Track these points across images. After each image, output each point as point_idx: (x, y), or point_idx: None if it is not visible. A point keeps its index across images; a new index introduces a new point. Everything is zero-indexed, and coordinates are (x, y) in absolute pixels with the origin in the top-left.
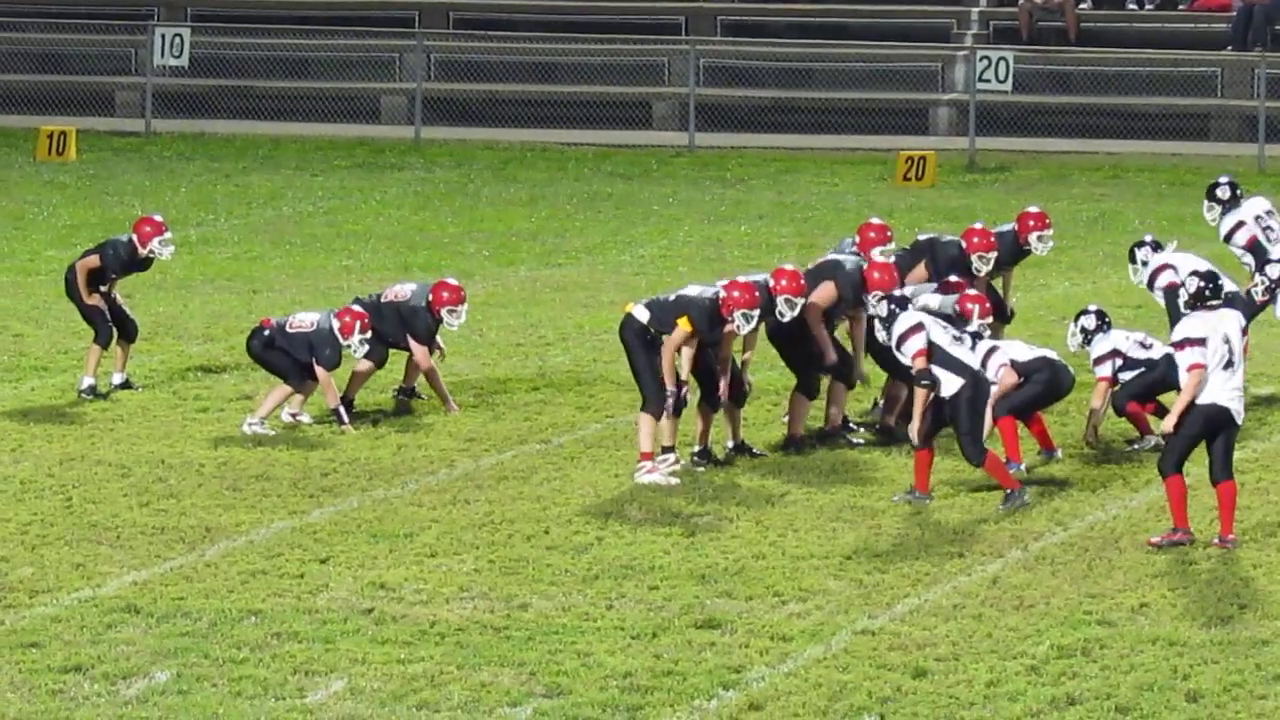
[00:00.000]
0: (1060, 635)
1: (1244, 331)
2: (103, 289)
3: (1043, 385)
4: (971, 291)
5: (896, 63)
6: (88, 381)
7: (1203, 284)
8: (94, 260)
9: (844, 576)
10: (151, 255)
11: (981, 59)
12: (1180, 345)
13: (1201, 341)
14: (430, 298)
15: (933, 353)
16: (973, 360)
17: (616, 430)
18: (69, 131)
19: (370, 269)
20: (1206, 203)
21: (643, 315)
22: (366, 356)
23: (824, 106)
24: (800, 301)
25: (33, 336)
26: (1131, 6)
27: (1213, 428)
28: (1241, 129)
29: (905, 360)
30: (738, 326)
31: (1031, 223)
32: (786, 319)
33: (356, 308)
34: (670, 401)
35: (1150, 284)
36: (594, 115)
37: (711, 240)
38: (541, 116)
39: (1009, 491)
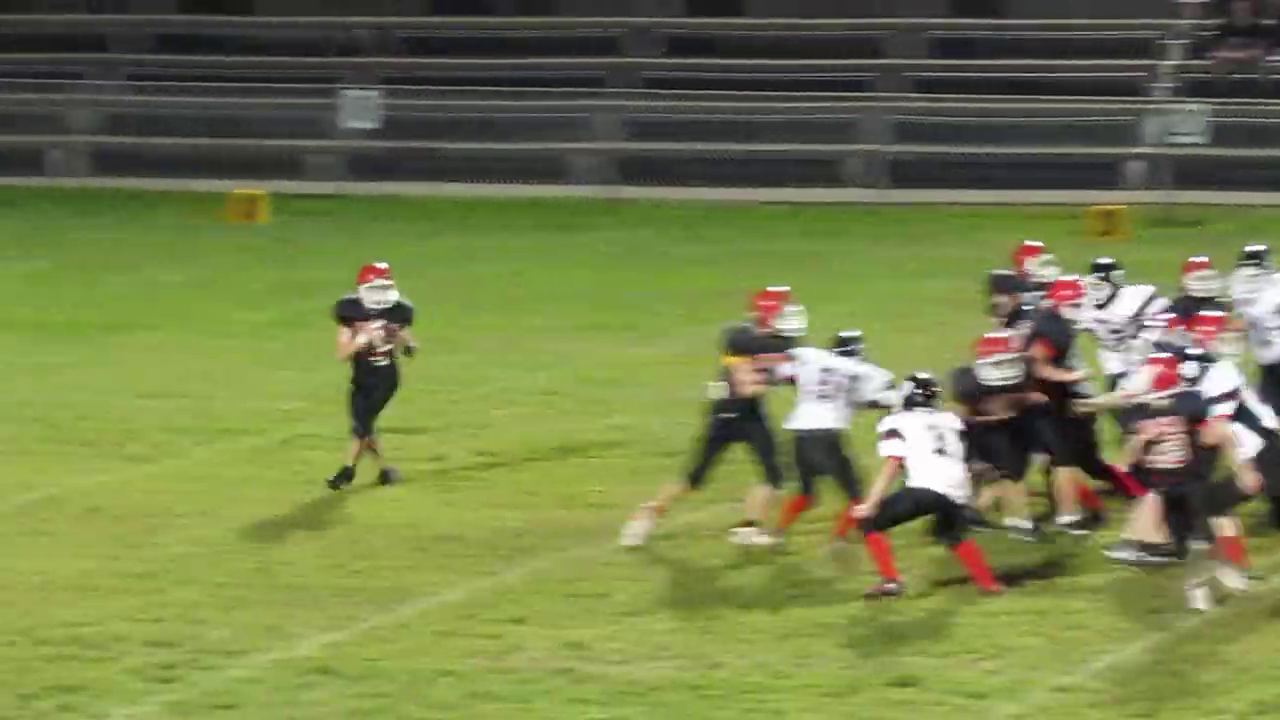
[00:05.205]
0: (1259, 690)
1: None
2: None
3: None
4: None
5: (1088, 117)
6: None
7: (915, 388)
8: None
9: (1039, 633)
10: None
11: (1175, 112)
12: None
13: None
14: None
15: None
16: None
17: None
18: (260, 195)
19: (563, 329)
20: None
21: None
22: None
23: (1014, 162)
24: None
25: (223, 399)
26: None
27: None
28: None
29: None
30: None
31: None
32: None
33: None
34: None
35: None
36: (785, 173)
37: (903, 297)
38: (732, 175)
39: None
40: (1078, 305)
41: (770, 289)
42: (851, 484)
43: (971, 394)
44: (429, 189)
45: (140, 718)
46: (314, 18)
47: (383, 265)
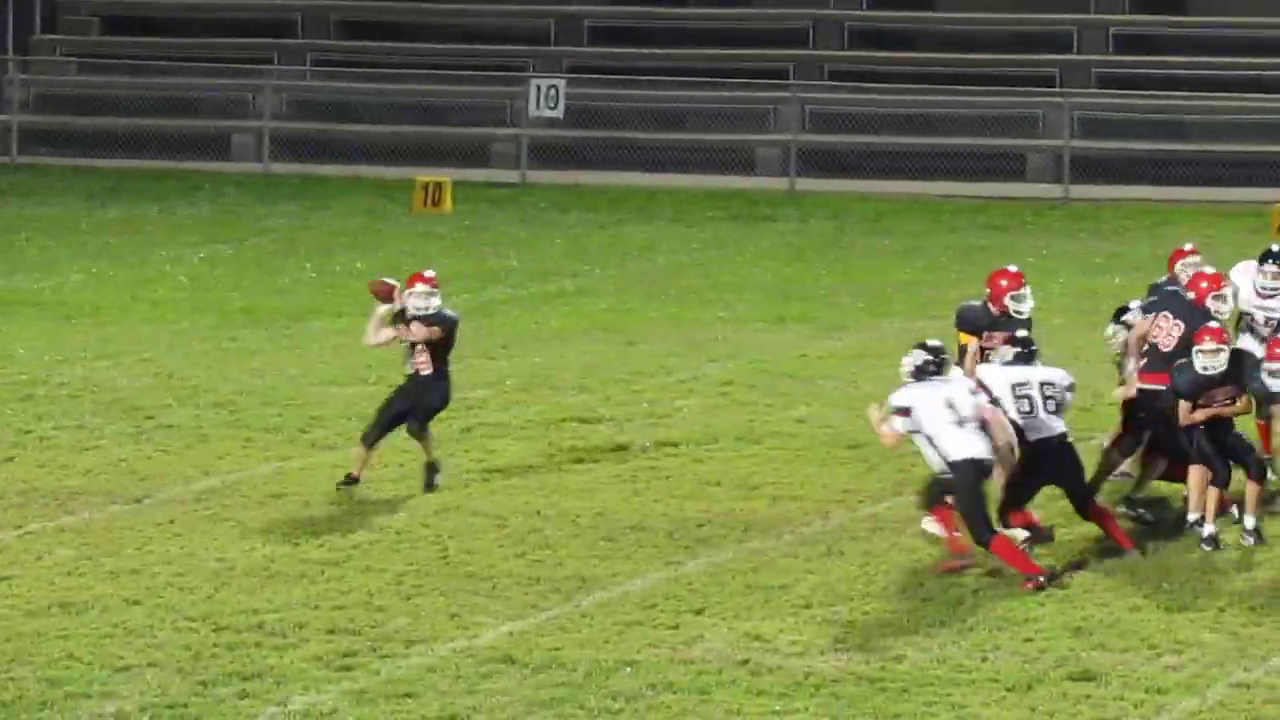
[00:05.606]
0: None
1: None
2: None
3: None
4: None
5: (1273, 115)
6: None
7: (928, 357)
8: None
9: (1219, 629)
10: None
11: None
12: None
13: (906, 411)
14: None
15: None
16: None
17: (991, 481)
18: (444, 183)
19: (744, 320)
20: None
21: None
22: None
23: (1199, 159)
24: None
25: None
26: None
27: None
28: None
29: None
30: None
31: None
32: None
33: None
34: None
35: None
36: (968, 167)
37: (1087, 293)
38: (915, 168)
39: None
40: (1220, 297)
41: (1006, 268)
42: (1086, 486)
43: (1195, 386)
44: (612, 178)
45: (320, 705)
46: (500, 5)
47: (430, 273)
